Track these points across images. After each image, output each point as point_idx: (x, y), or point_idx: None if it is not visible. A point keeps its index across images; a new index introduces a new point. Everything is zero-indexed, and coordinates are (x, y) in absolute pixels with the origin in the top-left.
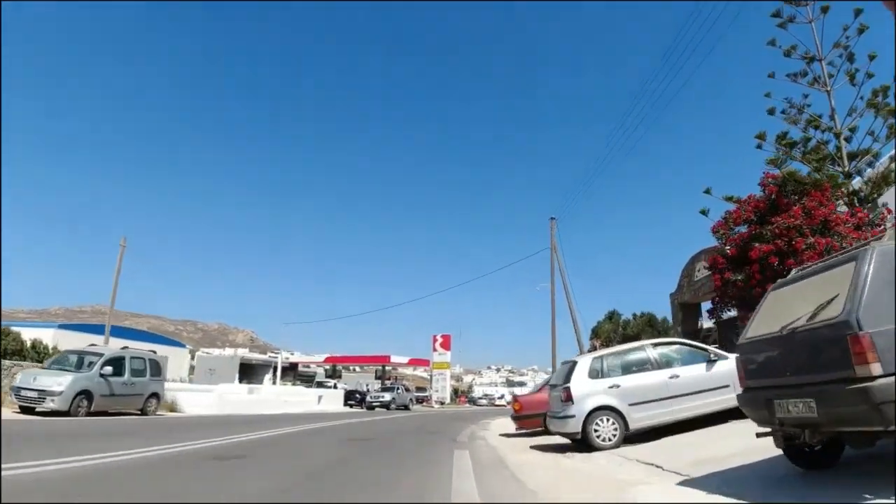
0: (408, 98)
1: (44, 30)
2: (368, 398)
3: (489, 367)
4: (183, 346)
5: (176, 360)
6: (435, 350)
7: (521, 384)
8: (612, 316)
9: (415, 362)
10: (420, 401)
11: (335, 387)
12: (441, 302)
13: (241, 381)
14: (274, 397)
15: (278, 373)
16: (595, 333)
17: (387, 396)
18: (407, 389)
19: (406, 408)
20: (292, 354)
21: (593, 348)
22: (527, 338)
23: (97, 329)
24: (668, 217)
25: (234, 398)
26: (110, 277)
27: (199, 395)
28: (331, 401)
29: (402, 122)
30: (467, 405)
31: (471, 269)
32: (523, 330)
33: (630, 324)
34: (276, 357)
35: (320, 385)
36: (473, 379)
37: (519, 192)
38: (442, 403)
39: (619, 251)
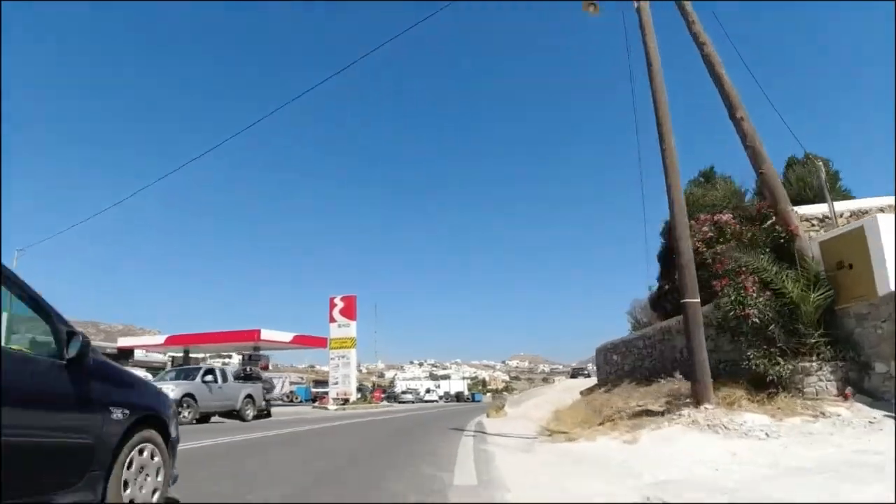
0: None
1: None
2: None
3: (412, 362)
4: None
5: None
6: (333, 321)
7: (446, 377)
8: (707, 175)
9: (304, 340)
10: (315, 398)
11: None
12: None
13: None
14: None
15: None
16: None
17: None
18: (249, 375)
19: (238, 416)
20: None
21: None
22: (449, 329)
23: None
24: None
25: None
26: None
27: None
28: None
29: None
30: (384, 403)
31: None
32: (446, 321)
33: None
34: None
35: None
36: (396, 374)
37: None
38: (346, 402)
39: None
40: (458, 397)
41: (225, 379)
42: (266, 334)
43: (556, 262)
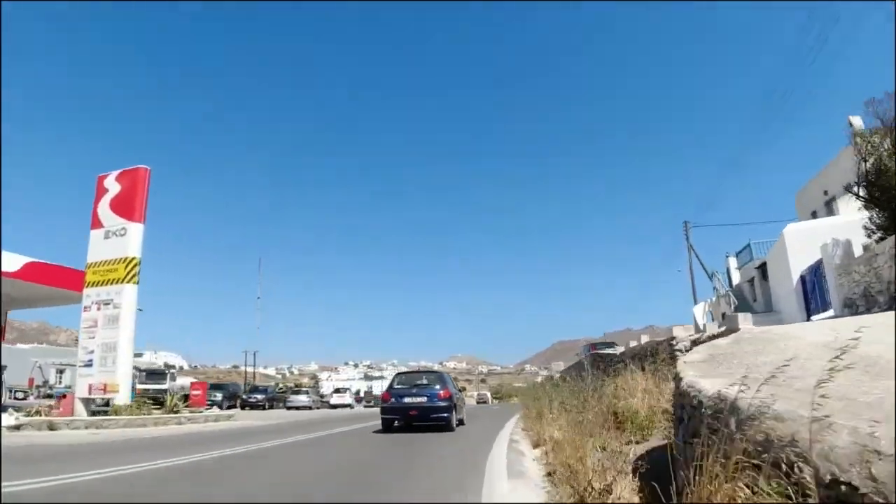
0: None
1: None
2: None
3: (347, 363)
4: None
5: None
6: (99, 224)
7: (381, 378)
8: None
9: (52, 275)
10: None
11: None
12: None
13: None
14: None
15: None
16: None
17: None
18: None
19: None
20: None
21: None
22: (385, 330)
23: None
24: None
25: None
26: None
27: None
28: None
29: None
30: (239, 411)
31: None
32: (383, 321)
33: None
34: None
35: None
36: (329, 376)
37: None
38: (106, 405)
39: None
40: None
41: None
42: None
43: (492, 263)
